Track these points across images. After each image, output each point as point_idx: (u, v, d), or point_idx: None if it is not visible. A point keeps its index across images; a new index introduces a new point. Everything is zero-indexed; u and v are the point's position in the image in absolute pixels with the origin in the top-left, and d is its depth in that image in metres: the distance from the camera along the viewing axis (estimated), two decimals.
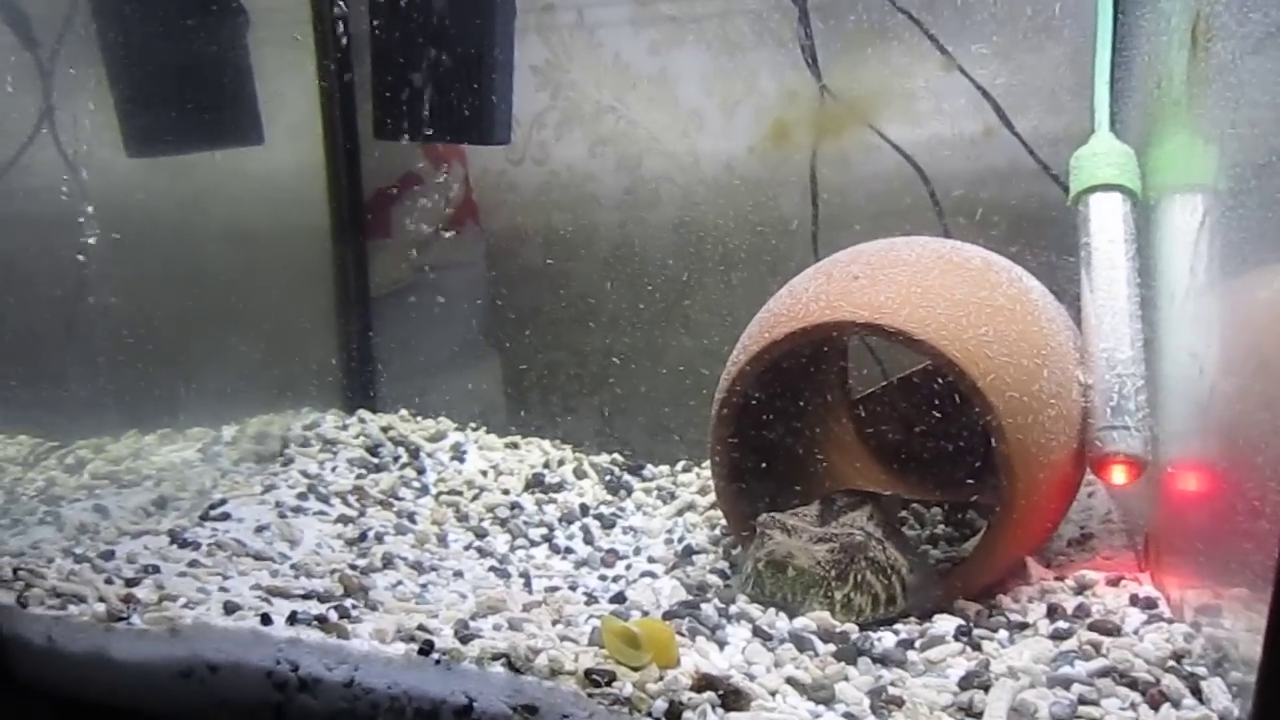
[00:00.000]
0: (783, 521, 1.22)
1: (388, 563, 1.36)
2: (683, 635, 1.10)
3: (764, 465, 1.39)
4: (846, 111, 1.77)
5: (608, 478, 1.70)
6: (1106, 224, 1.29)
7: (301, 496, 1.54)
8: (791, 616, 1.15)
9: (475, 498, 1.61)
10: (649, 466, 1.74)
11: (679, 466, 1.74)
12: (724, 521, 1.48)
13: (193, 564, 1.29)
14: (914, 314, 1.21)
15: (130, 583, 1.22)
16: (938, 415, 1.46)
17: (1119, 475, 1.20)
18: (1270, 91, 1.02)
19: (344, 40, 1.79)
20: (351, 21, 1.82)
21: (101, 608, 1.17)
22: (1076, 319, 1.33)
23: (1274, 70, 1.02)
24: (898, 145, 1.75)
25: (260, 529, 1.41)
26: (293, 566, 1.31)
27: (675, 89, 1.84)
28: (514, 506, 1.59)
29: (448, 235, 1.95)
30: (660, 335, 1.92)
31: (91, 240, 1.65)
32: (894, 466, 1.52)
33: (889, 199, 1.77)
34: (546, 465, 1.71)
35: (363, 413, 1.84)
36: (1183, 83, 1.18)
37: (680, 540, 1.52)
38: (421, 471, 1.67)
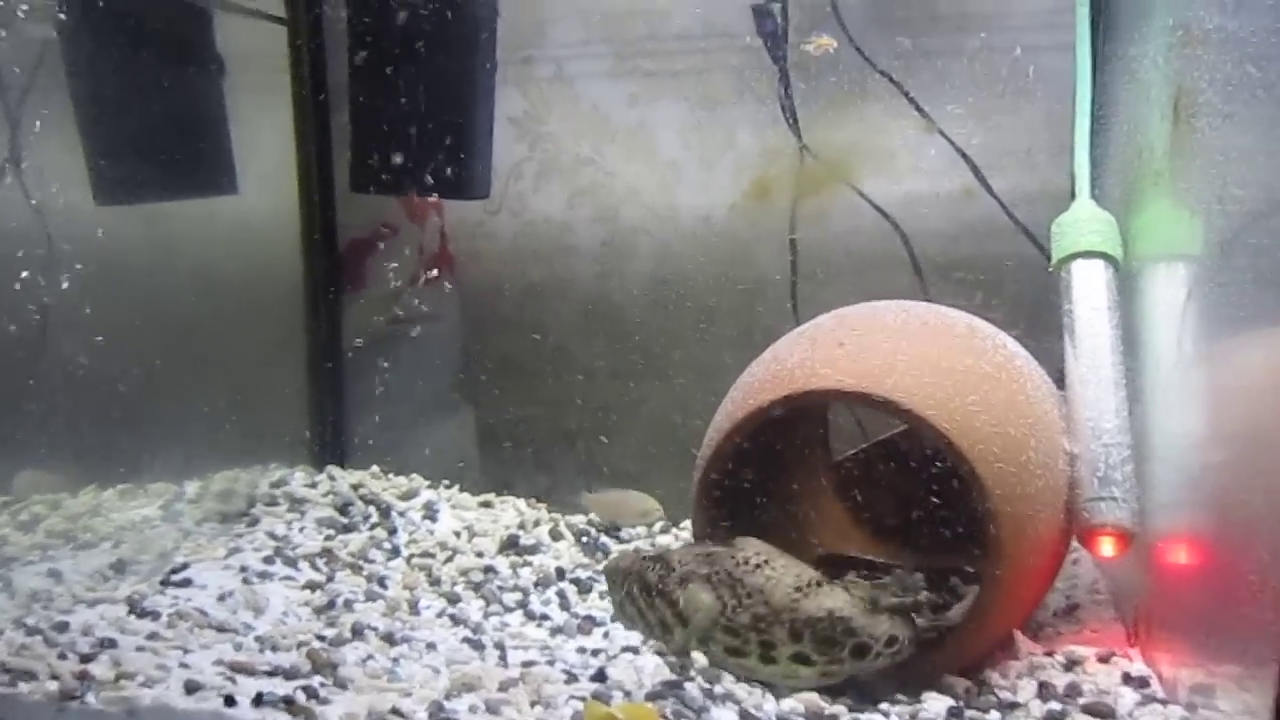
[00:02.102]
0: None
1: (357, 633, 1.30)
2: (667, 719, 1.05)
3: (745, 529, 1.34)
4: (826, 169, 1.76)
5: (584, 539, 1.65)
6: (1090, 291, 1.28)
7: (268, 560, 1.48)
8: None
9: (448, 560, 1.56)
10: (626, 528, 1.69)
11: (656, 528, 1.71)
12: None
13: (152, 636, 1.22)
14: (900, 382, 1.18)
15: (85, 658, 1.15)
16: (920, 479, 1.44)
17: (1107, 547, 1.18)
18: (1253, 165, 1.02)
19: (321, 90, 1.75)
20: (330, 71, 1.79)
21: (54, 686, 1.10)
22: (1059, 383, 1.32)
23: (1256, 144, 1.01)
24: (876, 203, 1.74)
25: (224, 596, 1.35)
26: (258, 639, 1.25)
27: (654, 141, 1.83)
28: (488, 570, 1.54)
29: (422, 287, 1.91)
30: (637, 390, 1.89)
31: (54, 289, 1.59)
32: (876, 530, 1.49)
33: (868, 256, 1.77)
34: (521, 526, 1.67)
35: (332, 469, 1.79)
36: (1165, 154, 1.18)
37: None
38: (393, 532, 1.62)
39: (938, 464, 1.35)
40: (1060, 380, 1.31)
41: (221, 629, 1.27)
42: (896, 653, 1.11)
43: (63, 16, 1.50)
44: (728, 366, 1.75)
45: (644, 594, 1.23)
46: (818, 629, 1.11)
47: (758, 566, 1.18)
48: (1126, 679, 1.14)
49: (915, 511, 1.47)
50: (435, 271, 1.93)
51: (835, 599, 1.13)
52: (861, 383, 1.19)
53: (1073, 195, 1.43)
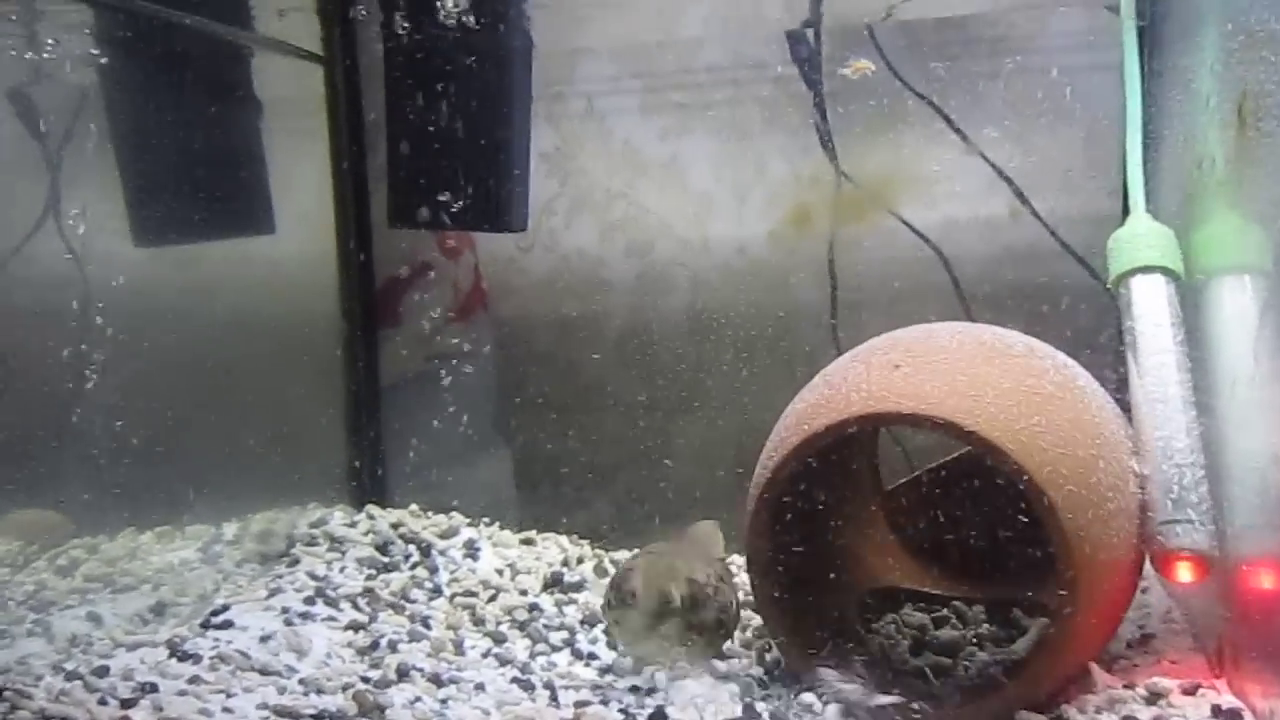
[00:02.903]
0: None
1: (403, 674, 1.25)
2: None
3: (799, 562, 1.29)
4: (864, 195, 1.73)
5: None
6: (1151, 307, 1.23)
7: (309, 601, 1.44)
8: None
9: (492, 599, 1.52)
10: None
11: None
12: (756, 621, 1.39)
13: (193, 680, 1.18)
14: (961, 404, 1.14)
15: (126, 704, 1.11)
16: (978, 506, 1.38)
17: (1185, 573, 1.12)
18: None
19: (358, 129, 1.75)
20: (366, 109, 1.79)
21: None
22: (1122, 406, 1.27)
23: None
24: (916, 229, 1.71)
25: (265, 638, 1.30)
26: (301, 681, 1.20)
27: (686, 175, 1.81)
28: (533, 608, 1.49)
29: (457, 323, 1.88)
30: (675, 424, 1.86)
31: (93, 332, 1.58)
32: (931, 561, 1.43)
33: (909, 283, 1.74)
34: (565, 563, 1.63)
35: (371, 508, 1.75)
36: (1229, 162, 1.14)
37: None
38: (434, 571, 1.58)
39: (999, 489, 1.30)
40: (1122, 402, 1.26)
41: (264, 672, 1.22)
42: None
43: (104, 60, 1.50)
44: (768, 397, 1.71)
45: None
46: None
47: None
48: (1216, 712, 1.07)
49: (973, 540, 1.41)
50: (470, 308, 1.91)
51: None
52: (921, 405, 1.14)
53: (1124, 213, 1.39)
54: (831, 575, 1.34)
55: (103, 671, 1.20)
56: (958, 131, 1.69)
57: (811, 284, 1.76)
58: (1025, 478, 1.11)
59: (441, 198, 1.59)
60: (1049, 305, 1.63)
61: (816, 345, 1.74)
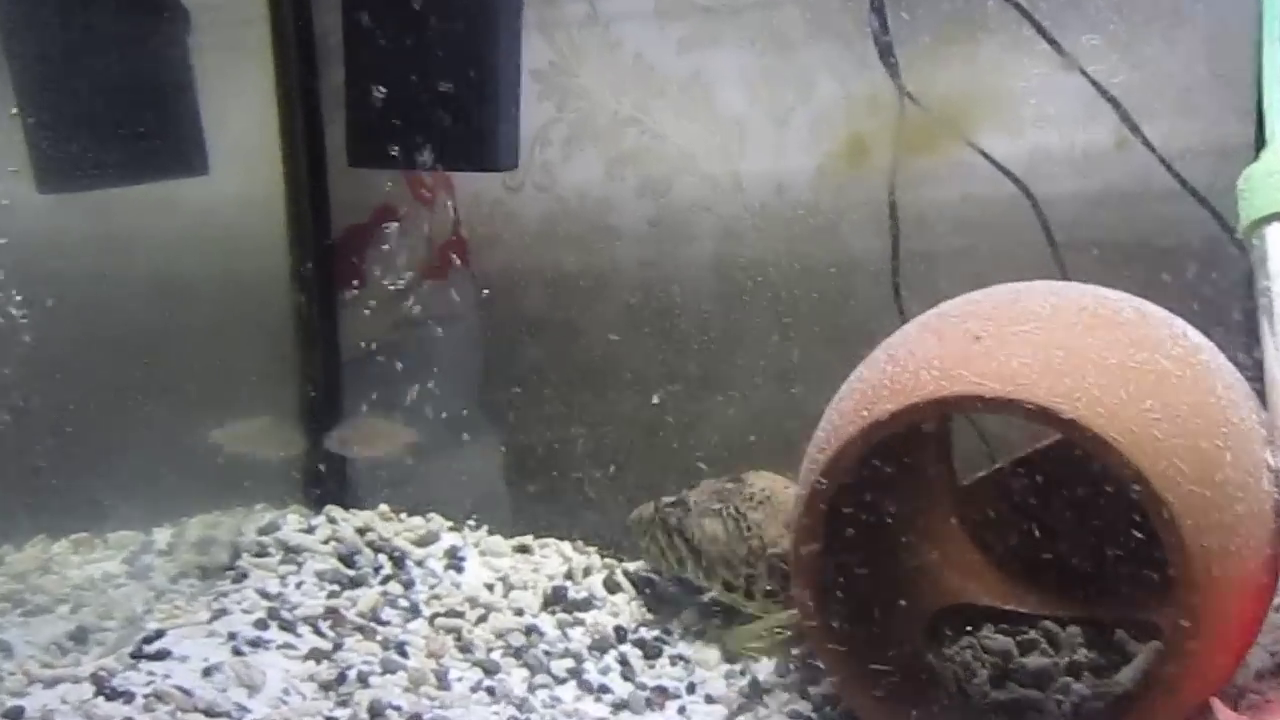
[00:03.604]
0: None
1: (376, 713, 1.28)
2: None
3: (857, 574, 1.30)
4: (933, 121, 1.72)
5: (647, 590, 1.62)
6: None
7: (260, 624, 1.46)
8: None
9: (480, 620, 1.54)
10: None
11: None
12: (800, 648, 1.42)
13: None
14: (1058, 385, 1.13)
15: None
16: (1074, 507, 1.39)
17: None
18: None
19: (308, 43, 1.74)
20: (318, 18, 1.77)
21: None
22: (1254, 385, 1.26)
23: None
24: (999, 162, 1.70)
25: (210, 671, 1.33)
26: None
27: (712, 96, 1.80)
28: (530, 631, 1.51)
29: (432, 282, 1.88)
30: (698, 403, 1.86)
31: None
32: (1017, 573, 1.44)
33: (988, 231, 1.73)
34: (569, 575, 1.65)
35: (332, 509, 1.77)
36: None
37: (745, 672, 1.44)
38: (410, 586, 1.60)
39: (1099, 484, 1.31)
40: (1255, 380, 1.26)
41: (210, 712, 1.25)
42: None
43: None
44: (815, 373, 1.73)
45: (665, 535, 1.52)
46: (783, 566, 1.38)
47: (761, 502, 1.49)
48: None
49: (1066, 548, 1.42)
50: (447, 262, 1.91)
51: None
52: (1008, 387, 1.14)
53: (1259, 143, 1.37)
54: (896, 592, 1.34)
55: (16, 714, 1.22)
56: (1050, 40, 1.67)
57: (868, 231, 1.76)
58: (1136, 476, 1.11)
59: (412, 130, 1.57)
60: (1163, 259, 1.62)
61: (874, 307, 1.74)
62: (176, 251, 1.74)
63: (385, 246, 1.89)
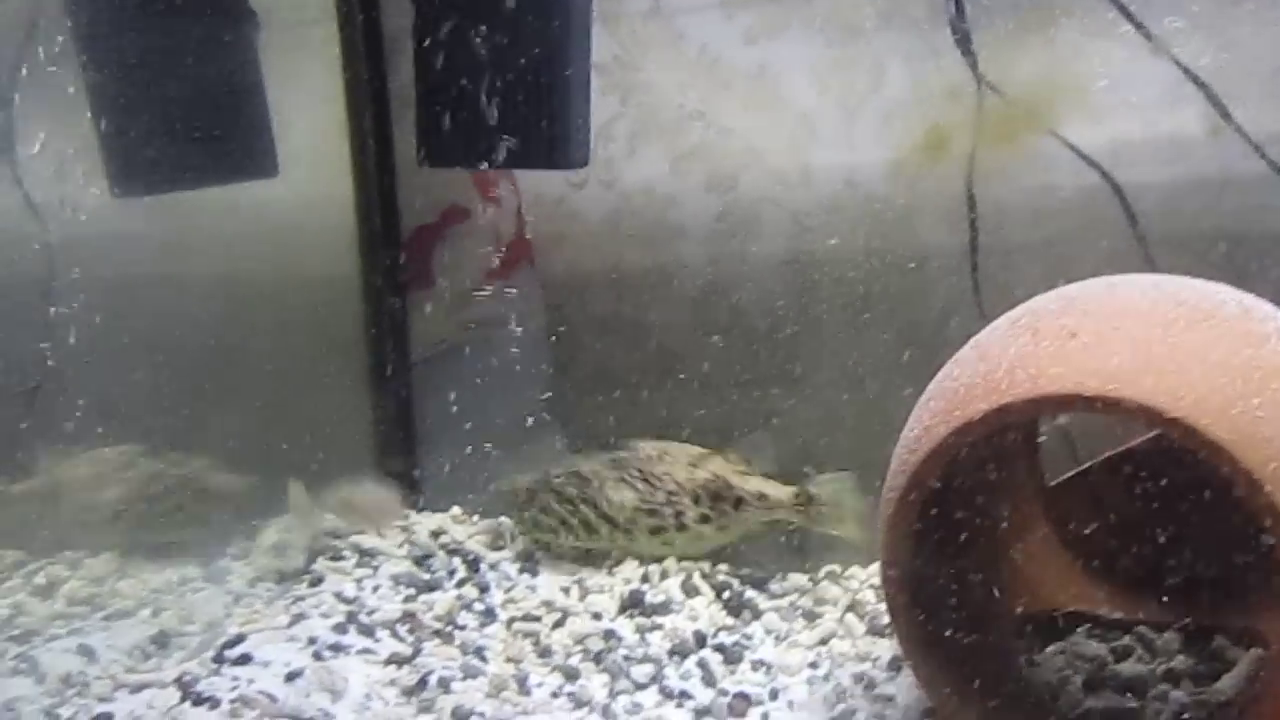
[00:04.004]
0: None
1: (461, 719, 1.27)
2: None
3: (948, 580, 1.29)
4: (1013, 111, 1.69)
5: (725, 594, 1.62)
6: None
7: (339, 628, 1.48)
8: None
9: (558, 624, 1.54)
10: (777, 577, 1.66)
11: (820, 574, 1.67)
12: (883, 653, 1.42)
13: None
14: (1161, 383, 1.11)
15: None
16: (1171, 508, 1.36)
17: None
18: None
19: (377, 45, 1.75)
20: (387, 19, 1.78)
21: None
22: None
23: None
24: (1083, 152, 1.67)
25: (292, 676, 1.35)
26: None
27: (779, 87, 1.79)
28: (609, 636, 1.51)
29: (498, 282, 1.89)
30: (768, 402, 1.85)
31: (59, 304, 1.61)
32: (1108, 577, 1.42)
33: (1071, 223, 1.71)
34: (645, 578, 1.64)
35: (405, 513, 1.77)
36: None
37: (828, 677, 1.44)
38: (485, 590, 1.61)
39: (1195, 483, 1.28)
40: None
41: (296, 718, 1.26)
42: (770, 507, 1.64)
43: None
44: (890, 372, 1.72)
45: (565, 504, 1.65)
46: (710, 488, 1.64)
47: (658, 458, 1.68)
48: None
49: (1161, 549, 1.39)
50: (513, 262, 1.91)
51: (717, 465, 1.66)
52: (1109, 385, 1.12)
53: None
54: (987, 598, 1.33)
55: (105, 718, 1.24)
56: (1134, 23, 1.63)
57: (945, 225, 1.74)
58: (1245, 478, 1.08)
59: (483, 128, 1.57)
60: (1254, 248, 1.58)
61: (952, 304, 1.72)
62: (247, 254, 1.76)
63: (454, 247, 1.89)
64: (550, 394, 1.92)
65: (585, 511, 1.64)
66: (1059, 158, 1.68)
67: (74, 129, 1.62)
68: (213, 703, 1.28)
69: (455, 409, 1.86)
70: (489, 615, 1.56)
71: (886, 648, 1.48)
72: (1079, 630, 1.42)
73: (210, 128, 1.62)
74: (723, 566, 1.67)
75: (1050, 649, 1.40)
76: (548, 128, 1.57)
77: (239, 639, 1.44)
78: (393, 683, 1.38)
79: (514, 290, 1.92)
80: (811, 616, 1.58)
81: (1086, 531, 1.45)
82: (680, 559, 1.66)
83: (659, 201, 1.85)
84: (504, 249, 1.92)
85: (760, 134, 1.79)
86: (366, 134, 1.81)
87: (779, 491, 1.66)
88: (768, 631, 1.55)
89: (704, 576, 1.64)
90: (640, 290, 1.87)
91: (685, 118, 1.81)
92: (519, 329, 1.90)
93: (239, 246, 1.76)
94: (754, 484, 1.66)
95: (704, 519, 1.64)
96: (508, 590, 1.62)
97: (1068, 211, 1.69)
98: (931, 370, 1.33)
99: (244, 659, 1.40)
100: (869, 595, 1.60)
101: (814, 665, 1.48)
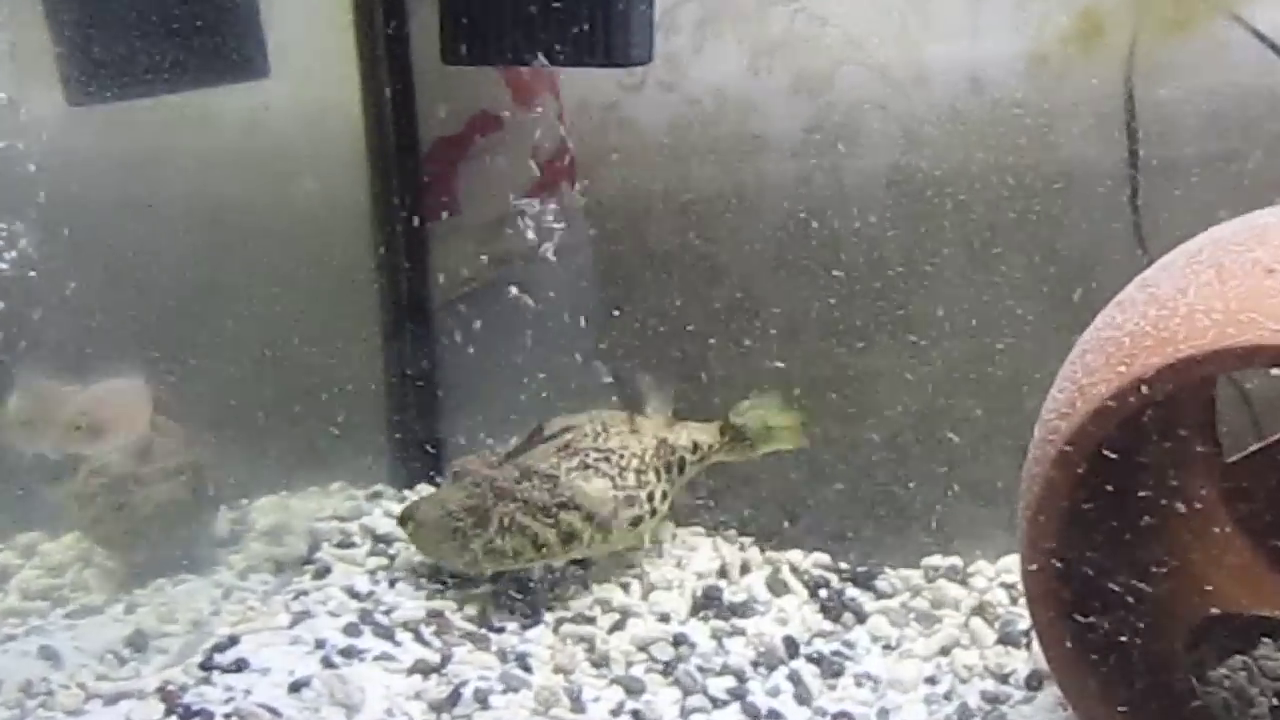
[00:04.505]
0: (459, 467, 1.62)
1: None
2: None
3: (1103, 578, 1.29)
4: None
5: (821, 592, 1.63)
6: None
7: (351, 630, 1.50)
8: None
9: (616, 628, 1.56)
10: (885, 572, 1.67)
11: (939, 569, 1.67)
12: (1019, 667, 1.43)
13: None
14: None
15: None
16: None
17: None
18: None
19: None
20: None
21: None
22: None
23: None
24: (1270, 40, 1.64)
25: (297, 685, 1.37)
26: None
27: None
28: (679, 642, 1.53)
29: (535, 208, 1.89)
30: (871, 356, 1.85)
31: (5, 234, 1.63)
32: None
33: (1250, 129, 1.67)
34: (722, 573, 1.66)
35: (424, 489, 1.82)
36: None
37: (950, 695, 1.45)
38: (526, 585, 1.63)
39: None
40: None
41: None
42: (703, 456, 1.73)
43: None
44: (1024, 315, 1.71)
45: (538, 515, 1.57)
46: (662, 457, 1.68)
47: (604, 432, 1.68)
48: None
49: None
50: (553, 182, 1.91)
51: (651, 425, 1.72)
52: None
53: None
54: (1151, 599, 1.32)
55: None
56: None
57: (1097, 135, 1.72)
58: None
59: (521, 17, 1.58)
60: None
61: (1105, 233, 1.71)
62: (233, 172, 1.76)
63: (482, 164, 1.89)
64: (599, 345, 1.92)
65: (566, 518, 1.58)
66: (1241, 47, 1.65)
67: (18, 20, 1.63)
68: (204, 716, 1.30)
69: (487, 366, 1.87)
70: (532, 615, 1.57)
71: (1023, 660, 1.49)
72: (1265, 640, 1.41)
73: (187, 19, 1.61)
74: (818, 557, 1.69)
75: (1231, 662, 1.39)
76: (601, 15, 1.57)
77: (231, 641, 1.46)
78: (418, 695, 1.40)
79: (553, 217, 1.91)
80: (928, 620, 1.59)
81: (1273, 519, 1.44)
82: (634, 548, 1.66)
83: (734, 108, 1.85)
84: (541, 166, 1.91)
85: (861, 22, 1.78)
86: (377, 26, 1.80)
87: (707, 435, 1.74)
88: (874, 638, 1.56)
89: (794, 570, 1.66)
90: (710, 218, 1.87)
91: (767, 2, 1.80)
92: (560, 265, 1.89)
93: (220, 165, 1.76)
94: (684, 436, 1.72)
95: (664, 495, 1.66)
96: (553, 586, 1.62)
97: (1251, 118, 1.67)
98: (1082, 317, 1.33)
99: (239, 665, 1.41)
100: (999, 595, 1.61)
101: (932, 681, 1.49)
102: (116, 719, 1.32)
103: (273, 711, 1.32)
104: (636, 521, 1.62)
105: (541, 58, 1.61)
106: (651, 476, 1.65)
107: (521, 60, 1.59)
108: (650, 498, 1.64)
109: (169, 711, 1.33)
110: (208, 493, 1.72)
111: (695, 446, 1.72)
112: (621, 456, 1.64)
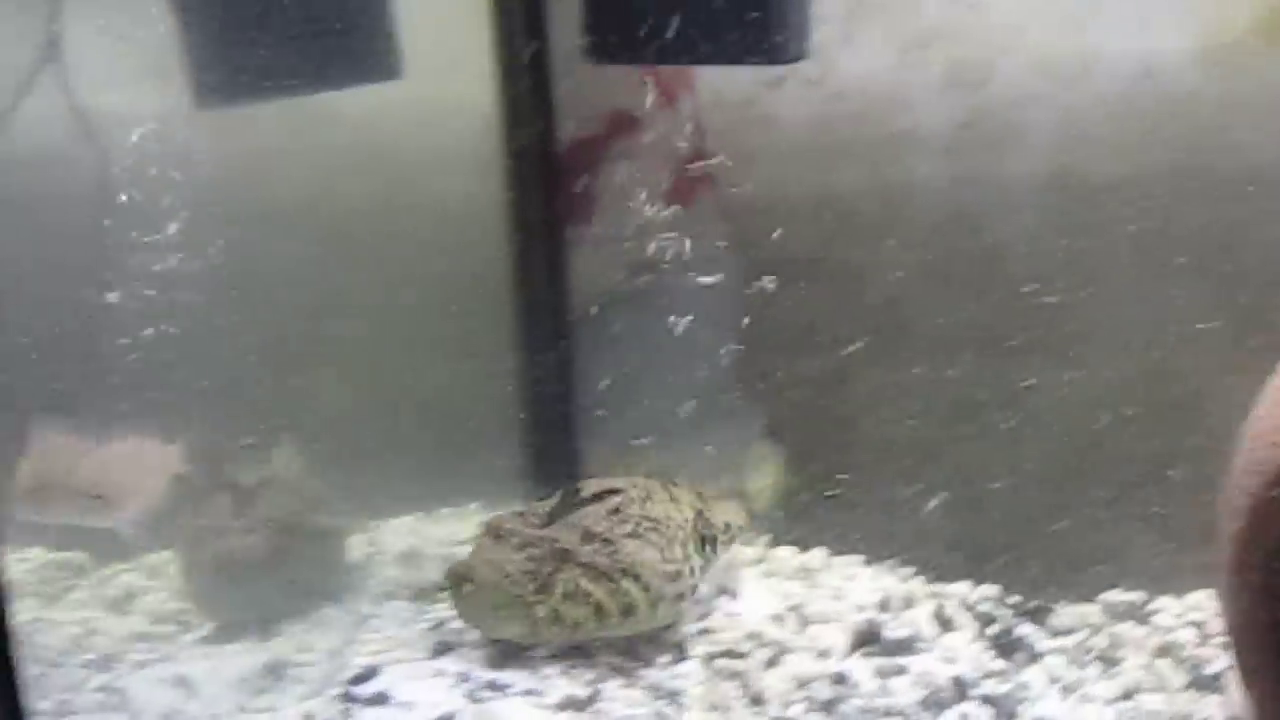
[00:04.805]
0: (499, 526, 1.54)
1: None
2: None
3: None
4: None
5: (991, 627, 1.59)
6: None
7: (494, 662, 1.49)
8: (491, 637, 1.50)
9: (771, 663, 1.53)
10: (1059, 607, 1.62)
11: (1117, 606, 1.62)
12: (1212, 710, 1.39)
13: None
14: None
15: None
16: None
17: None
18: None
19: None
20: None
21: None
22: None
23: None
24: None
25: None
26: None
27: None
28: (839, 680, 1.49)
29: (675, 212, 1.85)
30: (1032, 373, 1.78)
31: (118, 239, 1.64)
32: None
33: None
34: (883, 605, 1.63)
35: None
36: None
37: None
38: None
39: None
40: None
41: None
42: (732, 538, 1.68)
43: None
44: (1208, 331, 1.64)
45: (596, 579, 1.49)
46: (699, 530, 1.60)
47: (650, 498, 1.60)
48: None
49: None
50: (690, 187, 1.87)
51: (688, 497, 1.65)
52: None
53: None
54: None
55: None
56: None
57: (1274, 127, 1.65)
58: None
59: (669, 11, 1.53)
60: None
61: None
62: (359, 177, 1.76)
63: (620, 167, 1.86)
64: (742, 356, 1.88)
65: (627, 586, 1.50)
66: None
67: (142, 24, 1.64)
68: None
69: (622, 377, 1.85)
70: (680, 650, 1.55)
71: (1216, 705, 1.43)
72: None
73: (317, 20, 1.61)
74: (985, 590, 1.65)
75: None
76: (756, 10, 1.52)
77: (371, 672, 1.45)
78: None
79: (692, 222, 1.88)
80: (1109, 662, 1.53)
81: None
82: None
83: (883, 103, 1.81)
84: (679, 169, 1.89)
85: (1021, 8, 1.73)
86: (514, 24, 1.79)
87: (736, 517, 1.69)
88: (1051, 680, 1.51)
89: (962, 605, 1.62)
90: (857, 222, 1.83)
91: None
92: (701, 273, 1.87)
93: (350, 169, 1.77)
94: (719, 514, 1.66)
95: (699, 571, 1.59)
96: (702, 617, 1.60)
97: None
98: (1272, 333, 1.32)
99: (380, 698, 1.41)
100: (1187, 635, 1.55)
101: None
102: None
103: None
104: (680, 597, 1.54)
105: (692, 56, 1.57)
106: (692, 550, 1.58)
107: (671, 59, 1.55)
108: (691, 572, 1.56)
109: None
110: (320, 535, 1.70)
111: (726, 527, 1.67)
112: (667, 527, 1.57)
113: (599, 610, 1.47)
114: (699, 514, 1.62)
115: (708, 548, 1.61)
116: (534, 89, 1.82)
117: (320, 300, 1.78)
